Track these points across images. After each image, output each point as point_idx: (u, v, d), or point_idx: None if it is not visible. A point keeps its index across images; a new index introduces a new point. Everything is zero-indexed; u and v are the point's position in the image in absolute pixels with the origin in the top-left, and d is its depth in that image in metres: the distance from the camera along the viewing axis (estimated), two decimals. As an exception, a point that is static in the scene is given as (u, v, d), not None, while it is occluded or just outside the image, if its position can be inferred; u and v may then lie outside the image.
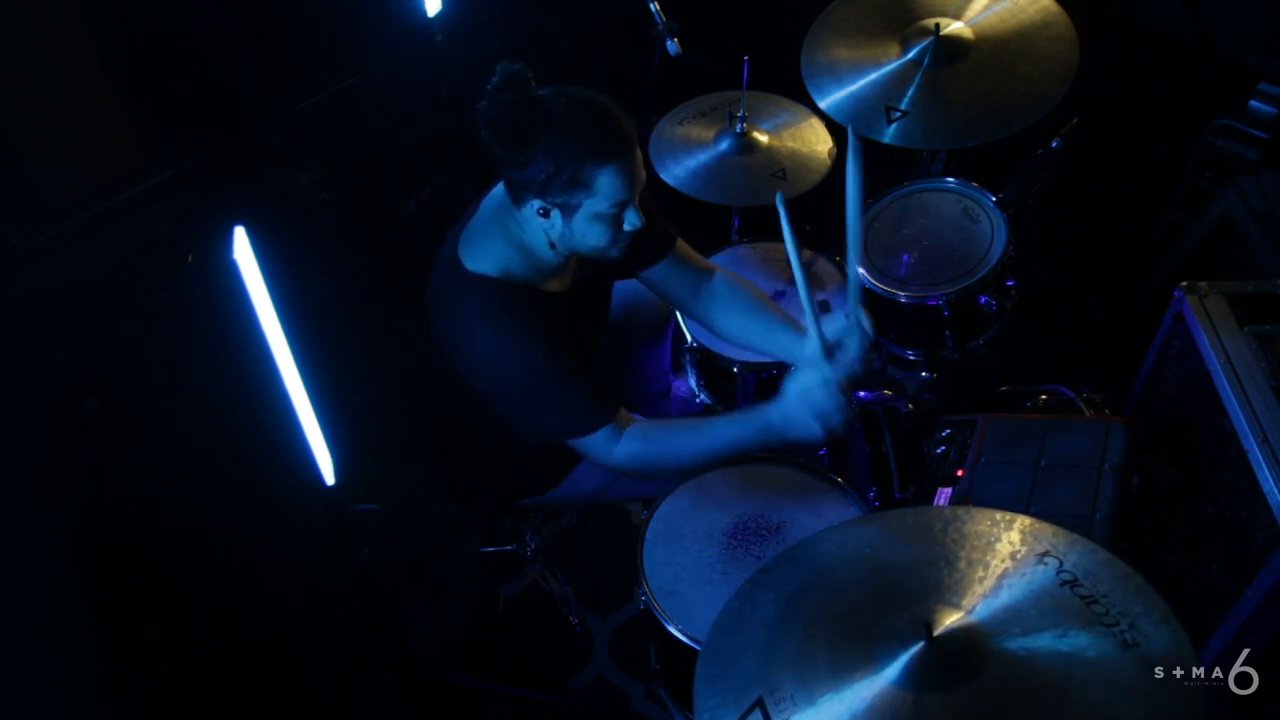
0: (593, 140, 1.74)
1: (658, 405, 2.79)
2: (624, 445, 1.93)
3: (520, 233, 1.89)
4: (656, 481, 2.22)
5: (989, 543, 1.44)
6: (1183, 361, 1.95)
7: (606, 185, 1.76)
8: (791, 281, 2.50)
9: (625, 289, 2.62)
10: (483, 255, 1.90)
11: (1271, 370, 1.72)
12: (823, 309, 2.43)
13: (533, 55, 1.86)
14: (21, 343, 2.70)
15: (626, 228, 1.85)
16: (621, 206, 1.81)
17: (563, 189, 1.76)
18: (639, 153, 1.82)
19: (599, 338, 2.24)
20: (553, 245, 1.87)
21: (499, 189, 1.95)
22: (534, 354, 1.86)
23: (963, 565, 1.42)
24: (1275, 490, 1.59)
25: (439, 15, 2.89)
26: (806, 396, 1.87)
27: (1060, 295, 3.14)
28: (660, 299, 2.62)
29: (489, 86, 1.74)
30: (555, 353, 1.87)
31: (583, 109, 1.76)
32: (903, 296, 2.39)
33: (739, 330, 2.18)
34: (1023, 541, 1.43)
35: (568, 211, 1.80)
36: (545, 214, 1.81)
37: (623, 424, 1.94)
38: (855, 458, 2.63)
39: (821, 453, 2.58)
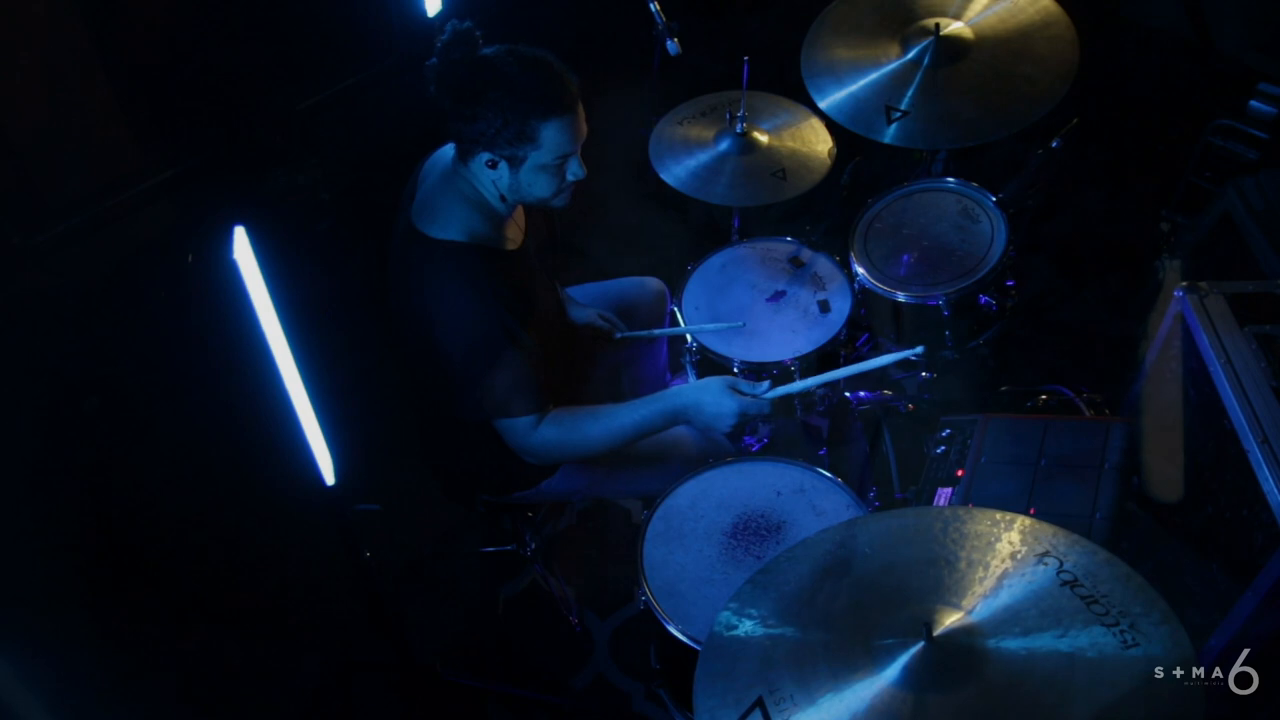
0: (539, 97, 1.85)
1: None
2: (543, 430, 2.01)
3: (471, 190, 1.98)
4: (651, 478, 2.23)
5: (989, 543, 1.44)
6: (1183, 361, 1.95)
7: (550, 139, 1.88)
8: (791, 281, 2.51)
9: (617, 287, 2.63)
10: (444, 222, 1.96)
11: (1271, 370, 1.72)
12: (823, 309, 2.44)
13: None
14: (21, 343, 2.70)
15: (569, 178, 1.97)
16: (565, 159, 1.93)
17: (509, 142, 1.87)
18: (581, 108, 1.92)
19: (553, 307, 2.28)
20: (503, 198, 1.97)
21: (437, 158, 2.06)
22: (493, 320, 1.93)
23: (963, 565, 1.42)
24: (1275, 490, 1.59)
25: (439, 15, 2.89)
26: (711, 390, 1.98)
27: (1060, 295, 3.14)
28: (653, 297, 2.63)
29: (438, 44, 1.85)
30: (512, 324, 1.95)
31: (529, 66, 1.86)
32: (902, 296, 2.39)
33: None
34: (1023, 541, 1.43)
35: (515, 163, 1.90)
36: (493, 165, 1.91)
37: (545, 411, 2.02)
38: (855, 458, 2.63)
39: (822, 452, 2.58)
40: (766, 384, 2.01)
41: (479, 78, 1.84)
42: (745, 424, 2.02)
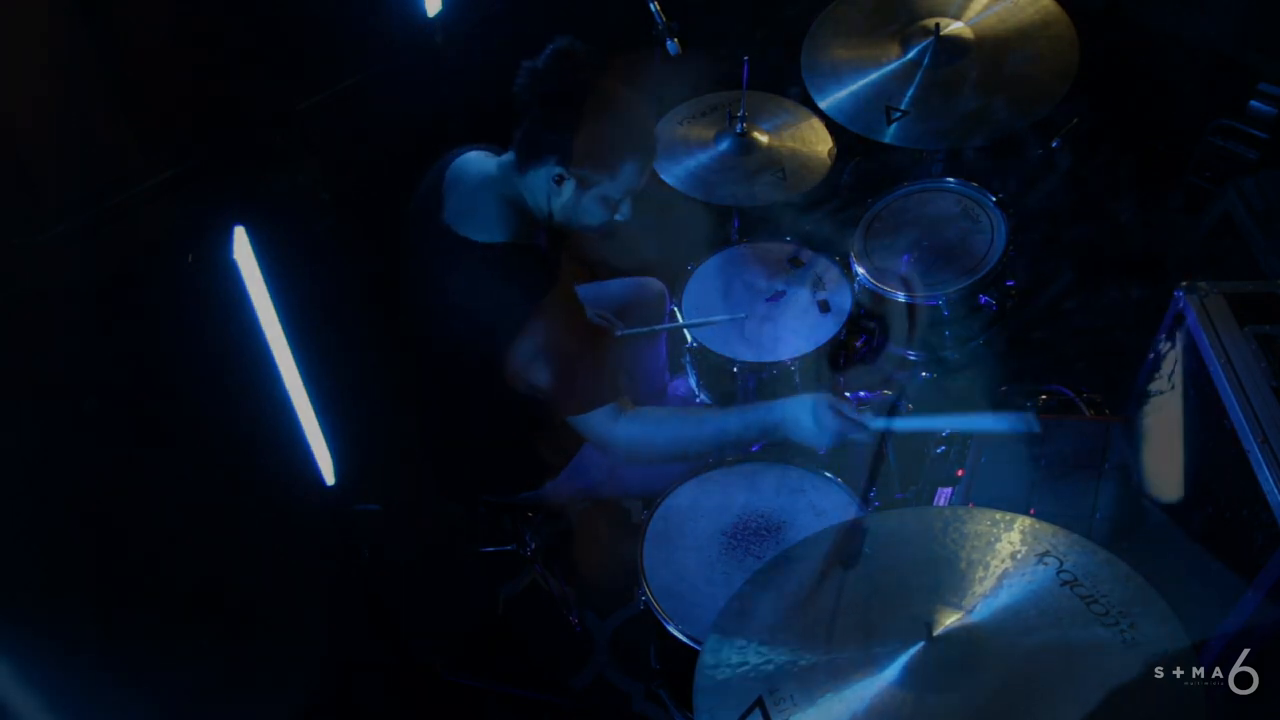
0: (637, 134, 1.91)
1: (655, 402, 2.79)
2: (625, 425, 1.98)
3: (518, 196, 1.97)
4: (654, 478, 2.22)
5: (989, 543, 1.44)
6: (1183, 361, 1.95)
7: (628, 174, 1.92)
8: (791, 281, 2.51)
9: (617, 287, 2.63)
10: (491, 226, 1.95)
11: (1271, 370, 1.72)
12: (823, 309, 2.43)
13: (533, 55, 1.88)
14: (21, 343, 2.70)
15: (619, 217, 2.00)
16: (628, 195, 1.96)
17: (593, 164, 1.88)
18: None
19: None
20: (550, 215, 1.97)
21: (465, 162, 2.03)
22: (564, 316, 1.93)
23: (963, 565, 1.42)
24: (1275, 490, 1.59)
25: (439, 15, 2.89)
26: (813, 409, 1.92)
27: (1061, 295, 3.14)
28: (654, 297, 2.63)
29: (548, 50, 1.87)
30: (580, 318, 1.98)
31: (638, 103, 1.92)
32: (903, 296, 2.39)
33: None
34: (1023, 541, 1.43)
35: (584, 185, 1.92)
36: (559, 181, 1.91)
37: (624, 405, 2.00)
38: (855, 458, 2.63)
39: (822, 452, 2.58)
40: (869, 415, 1.94)
41: (588, 94, 1.86)
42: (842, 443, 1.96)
